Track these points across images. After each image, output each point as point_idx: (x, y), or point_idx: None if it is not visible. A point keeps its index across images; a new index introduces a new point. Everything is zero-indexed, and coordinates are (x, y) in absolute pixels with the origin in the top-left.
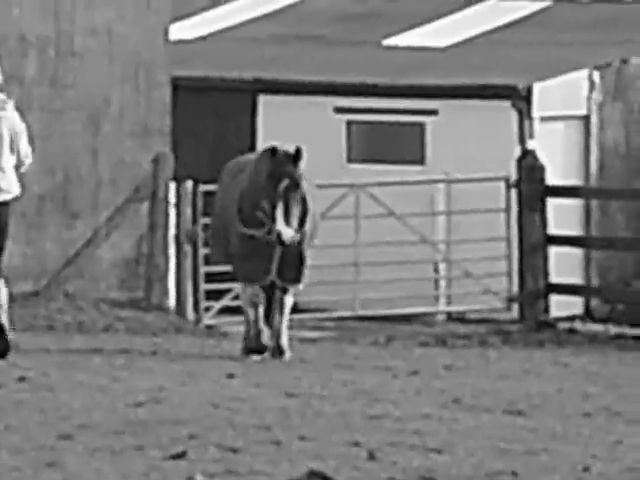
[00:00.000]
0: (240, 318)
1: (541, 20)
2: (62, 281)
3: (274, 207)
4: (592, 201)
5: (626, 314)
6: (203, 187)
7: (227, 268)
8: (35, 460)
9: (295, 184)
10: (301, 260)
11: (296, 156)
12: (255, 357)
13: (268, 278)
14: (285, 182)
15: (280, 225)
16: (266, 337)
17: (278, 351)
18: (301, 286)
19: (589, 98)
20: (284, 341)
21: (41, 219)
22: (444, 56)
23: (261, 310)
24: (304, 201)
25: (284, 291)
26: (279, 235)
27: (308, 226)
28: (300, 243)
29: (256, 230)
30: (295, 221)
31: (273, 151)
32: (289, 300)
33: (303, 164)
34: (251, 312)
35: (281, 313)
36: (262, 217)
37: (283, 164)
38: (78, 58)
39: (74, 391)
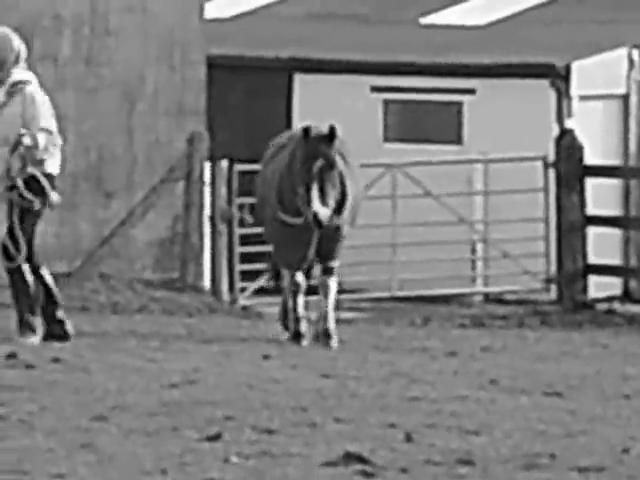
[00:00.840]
0: (275, 299)
1: None
2: (96, 261)
3: (309, 189)
4: (631, 181)
5: None
6: (238, 167)
7: (263, 248)
8: (69, 441)
9: (330, 164)
10: (337, 241)
11: (330, 135)
12: (302, 343)
13: (306, 263)
14: (319, 162)
15: (316, 206)
16: (304, 325)
17: (325, 336)
18: (336, 262)
19: (628, 77)
20: (331, 325)
21: (75, 198)
22: (482, 34)
23: (301, 298)
24: (343, 185)
25: (327, 272)
26: (315, 216)
27: (347, 213)
28: (338, 229)
29: (295, 218)
30: (332, 201)
31: (306, 132)
32: (333, 283)
33: (338, 143)
34: (289, 298)
35: (326, 296)
36: (299, 204)
37: (317, 144)
38: (113, 36)
39: (108, 372)
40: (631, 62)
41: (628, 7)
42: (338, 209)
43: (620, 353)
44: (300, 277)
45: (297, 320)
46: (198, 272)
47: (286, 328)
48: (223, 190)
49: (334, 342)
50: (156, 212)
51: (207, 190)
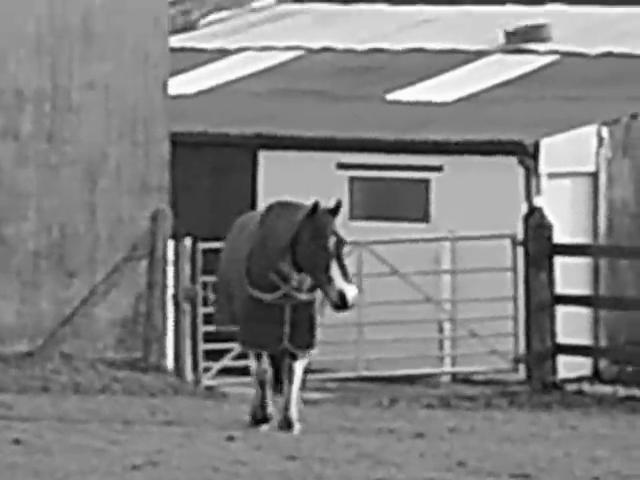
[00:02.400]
0: (240, 379)
1: (548, 75)
2: (58, 341)
3: (328, 267)
4: (601, 260)
5: (635, 376)
6: (202, 245)
7: (230, 329)
8: None
9: (341, 240)
10: (312, 324)
11: (336, 211)
12: (263, 427)
13: (281, 345)
14: (333, 239)
15: (341, 283)
16: (271, 408)
17: (286, 423)
18: (314, 351)
19: (597, 154)
20: (293, 413)
21: (37, 277)
22: (449, 111)
23: (268, 387)
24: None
25: (294, 357)
26: (342, 296)
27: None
28: (311, 304)
29: (267, 294)
30: (352, 278)
31: (315, 207)
32: (299, 368)
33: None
34: (255, 385)
35: (290, 382)
36: (277, 280)
37: (327, 220)
38: (75, 113)
39: (70, 454)
40: (600, 139)
41: (597, 84)
42: (312, 289)
43: (589, 435)
44: (266, 364)
45: (263, 407)
46: (161, 352)
47: (253, 413)
48: (187, 268)
49: (295, 431)
50: (119, 291)
51: (170, 268)
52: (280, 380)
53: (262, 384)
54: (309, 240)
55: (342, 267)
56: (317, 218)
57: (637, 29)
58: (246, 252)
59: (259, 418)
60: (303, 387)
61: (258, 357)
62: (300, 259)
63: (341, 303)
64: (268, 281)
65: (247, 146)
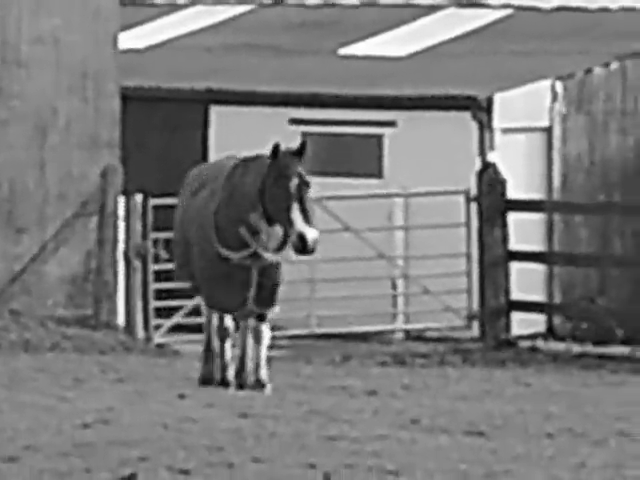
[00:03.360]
0: (191, 337)
1: (502, 29)
2: (7, 298)
3: (289, 209)
4: (555, 215)
5: (590, 332)
6: (153, 201)
7: (180, 285)
8: None
9: (305, 182)
10: (276, 286)
11: (300, 152)
12: (229, 391)
13: (246, 308)
14: (295, 181)
15: (301, 226)
16: (231, 372)
17: (259, 384)
18: (276, 309)
19: (552, 109)
20: (264, 374)
21: None
22: (402, 66)
23: (229, 343)
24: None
25: (261, 318)
26: (302, 237)
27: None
28: (278, 267)
29: (235, 252)
30: (315, 221)
31: (275, 149)
32: (267, 329)
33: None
34: (217, 343)
35: (259, 343)
36: (246, 236)
37: (290, 162)
38: (24, 67)
39: (20, 412)
40: (554, 94)
41: (551, 38)
42: (282, 245)
43: (543, 392)
44: (229, 321)
45: (224, 367)
46: (112, 309)
47: (207, 372)
48: (138, 225)
49: (268, 391)
50: (69, 248)
51: (121, 225)
52: (241, 344)
53: (223, 338)
54: (272, 183)
55: (304, 210)
56: (279, 160)
57: None
58: (212, 209)
59: (217, 381)
60: (271, 347)
61: (220, 315)
62: (266, 205)
63: (301, 246)
64: (238, 238)
65: (198, 101)
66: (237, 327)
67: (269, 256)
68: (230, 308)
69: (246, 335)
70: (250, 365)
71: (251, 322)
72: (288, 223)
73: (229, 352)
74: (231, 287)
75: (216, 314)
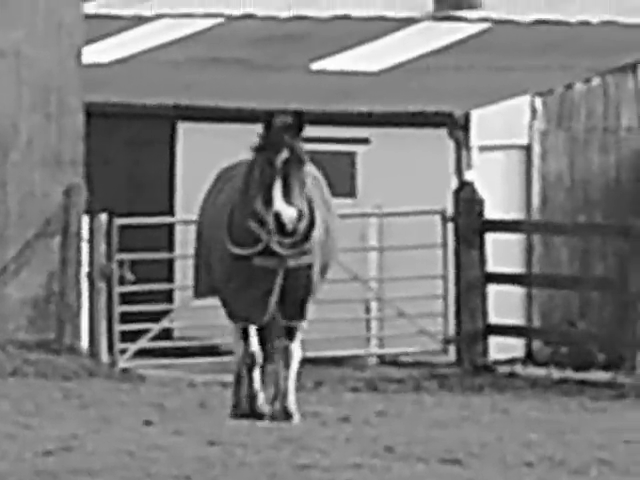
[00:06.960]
0: (158, 361)
1: (479, 43)
2: None
3: (270, 185)
4: (534, 236)
5: (570, 357)
6: (119, 220)
7: (146, 308)
8: None
9: (297, 158)
10: (307, 290)
11: (297, 124)
12: (258, 424)
13: (266, 315)
14: (284, 154)
15: (279, 204)
16: (262, 400)
17: (285, 415)
18: (305, 324)
19: (531, 126)
20: (291, 403)
21: None
22: (376, 81)
23: (257, 372)
24: (312, 212)
25: (290, 336)
26: (277, 216)
27: (318, 237)
28: (309, 269)
29: (248, 248)
30: (299, 201)
31: (269, 119)
32: (297, 349)
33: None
34: (244, 370)
35: (287, 366)
36: (255, 228)
37: (281, 134)
38: None
39: None
40: (533, 111)
41: (530, 53)
42: (305, 237)
43: (522, 419)
44: (255, 346)
45: (252, 397)
46: (75, 333)
47: (236, 405)
48: (102, 245)
49: (295, 421)
50: (30, 269)
51: (85, 245)
52: (266, 367)
53: (251, 365)
54: (259, 158)
55: (287, 187)
56: (270, 131)
57: None
58: (228, 210)
59: (247, 413)
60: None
61: (245, 336)
62: (251, 203)
63: (277, 226)
64: (249, 232)
65: (165, 117)
66: (263, 349)
67: (289, 253)
68: (252, 318)
69: (279, 357)
70: (273, 392)
71: (280, 341)
72: (268, 201)
73: (257, 380)
74: (252, 293)
75: (239, 336)
